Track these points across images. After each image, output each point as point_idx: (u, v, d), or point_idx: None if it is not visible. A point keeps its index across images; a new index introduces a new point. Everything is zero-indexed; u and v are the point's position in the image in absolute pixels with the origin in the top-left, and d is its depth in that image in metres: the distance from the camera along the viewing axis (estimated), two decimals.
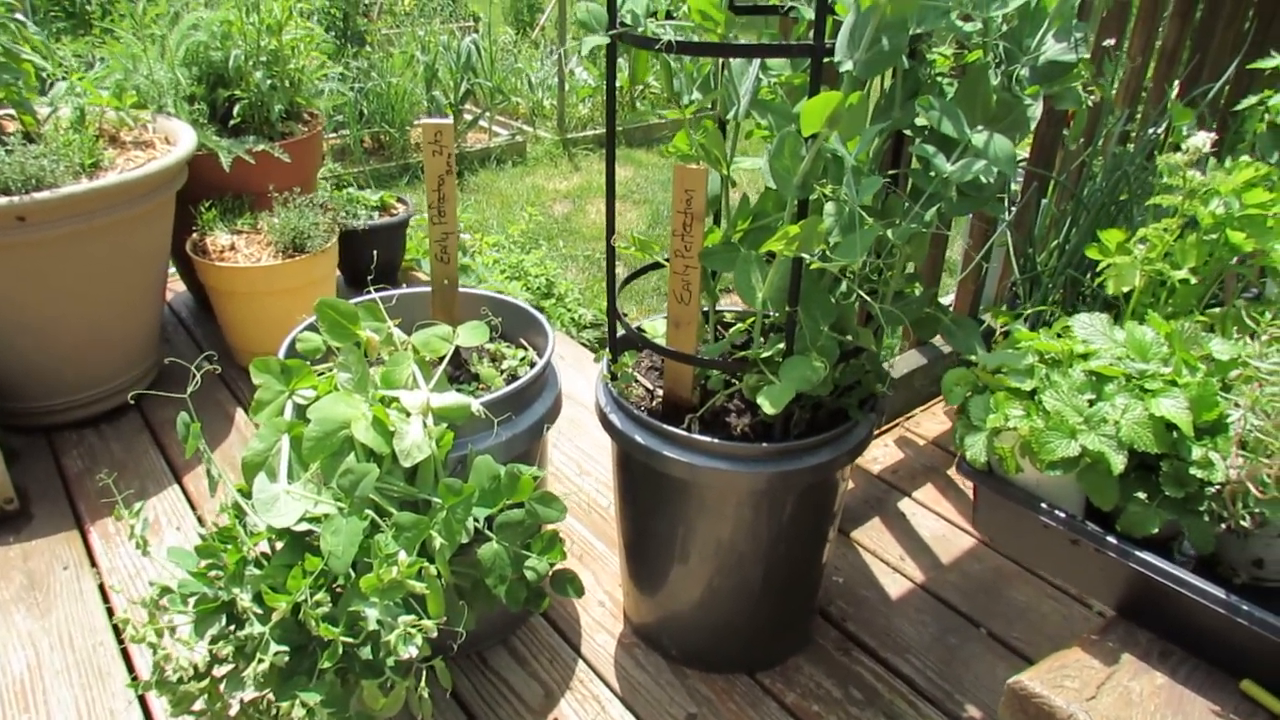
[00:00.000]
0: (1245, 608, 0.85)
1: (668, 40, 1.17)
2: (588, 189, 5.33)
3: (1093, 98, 1.88)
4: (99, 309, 2.11)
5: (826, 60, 1.09)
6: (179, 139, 2.25)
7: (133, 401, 2.16)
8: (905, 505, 2.00)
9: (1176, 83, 2.31)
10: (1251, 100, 1.61)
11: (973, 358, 1.08)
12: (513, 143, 5.95)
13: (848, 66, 1.06)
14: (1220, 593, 0.86)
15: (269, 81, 2.56)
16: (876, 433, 2.23)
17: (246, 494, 1.26)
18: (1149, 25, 2.08)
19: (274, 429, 1.29)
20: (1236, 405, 0.85)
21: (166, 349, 2.54)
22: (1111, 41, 2.05)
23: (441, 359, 1.46)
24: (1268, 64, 1.52)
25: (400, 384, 1.38)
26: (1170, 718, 0.85)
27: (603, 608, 1.71)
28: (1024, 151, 2.23)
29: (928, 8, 1.03)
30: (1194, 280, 1.05)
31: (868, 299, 1.19)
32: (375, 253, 2.79)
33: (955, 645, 1.64)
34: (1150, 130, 2.20)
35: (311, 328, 1.56)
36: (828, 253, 1.14)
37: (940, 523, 1.94)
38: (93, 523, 1.88)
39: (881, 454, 2.16)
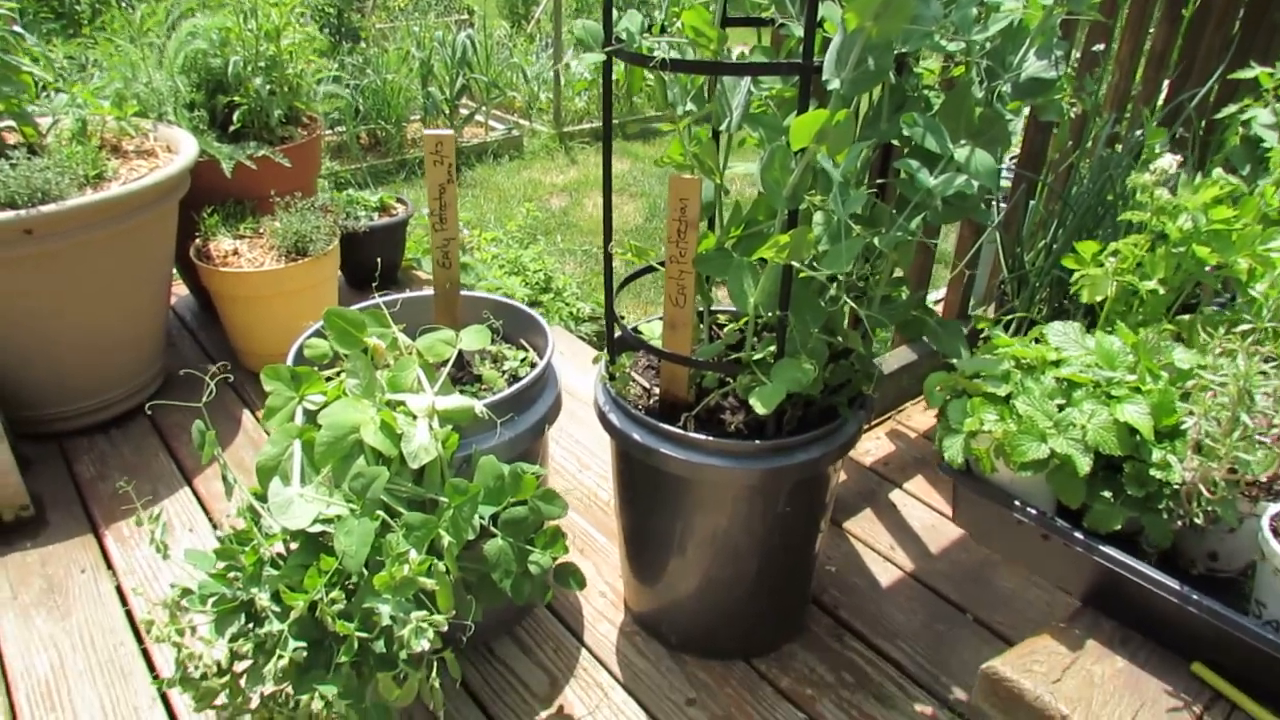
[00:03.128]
0: (1195, 597, 0.91)
1: (661, 58, 1.22)
2: (584, 182, 5.37)
3: (1075, 109, 1.93)
4: (106, 317, 2.15)
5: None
6: (180, 147, 2.29)
7: (149, 413, 2.21)
8: (896, 496, 2.06)
9: (1166, 83, 2.36)
10: (1231, 109, 1.66)
11: (954, 361, 1.13)
12: (509, 137, 5.98)
13: (835, 85, 1.11)
14: (1174, 583, 0.92)
15: (268, 87, 2.60)
16: (869, 426, 2.28)
17: (261, 497, 1.31)
18: (1137, 30, 2.13)
19: (286, 434, 1.35)
20: (1191, 413, 0.91)
21: (172, 353, 2.59)
22: (1100, 46, 2.10)
23: (445, 362, 1.52)
24: (1246, 74, 1.56)
25: (406, 388, 1.44)
26: (1127, 697, 0.90)
27: (604, 598, 1.77)
28: (1016, 147, 2.28)
29: (912, 30, 1.08)
30: (1162, 291, 1.11)
31: (854, 305, 1.24)
32: (376, 253, 2.84)
33: (943, 631, 1.70)
34: (1138, 132, 2.25)
35: (318, 333, 1.61)
36: (816, 261, 1.20)
37: (930, 513, 2.00)
38: (107, 527, 1.93)
39: (873, 446, 2.22)
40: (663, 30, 1.39)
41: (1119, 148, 2.29)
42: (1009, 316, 1.36)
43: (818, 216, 1.24)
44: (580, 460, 2.21)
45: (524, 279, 3.61)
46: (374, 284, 1.78)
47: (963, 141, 1.19)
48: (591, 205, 4.99)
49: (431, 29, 6.08)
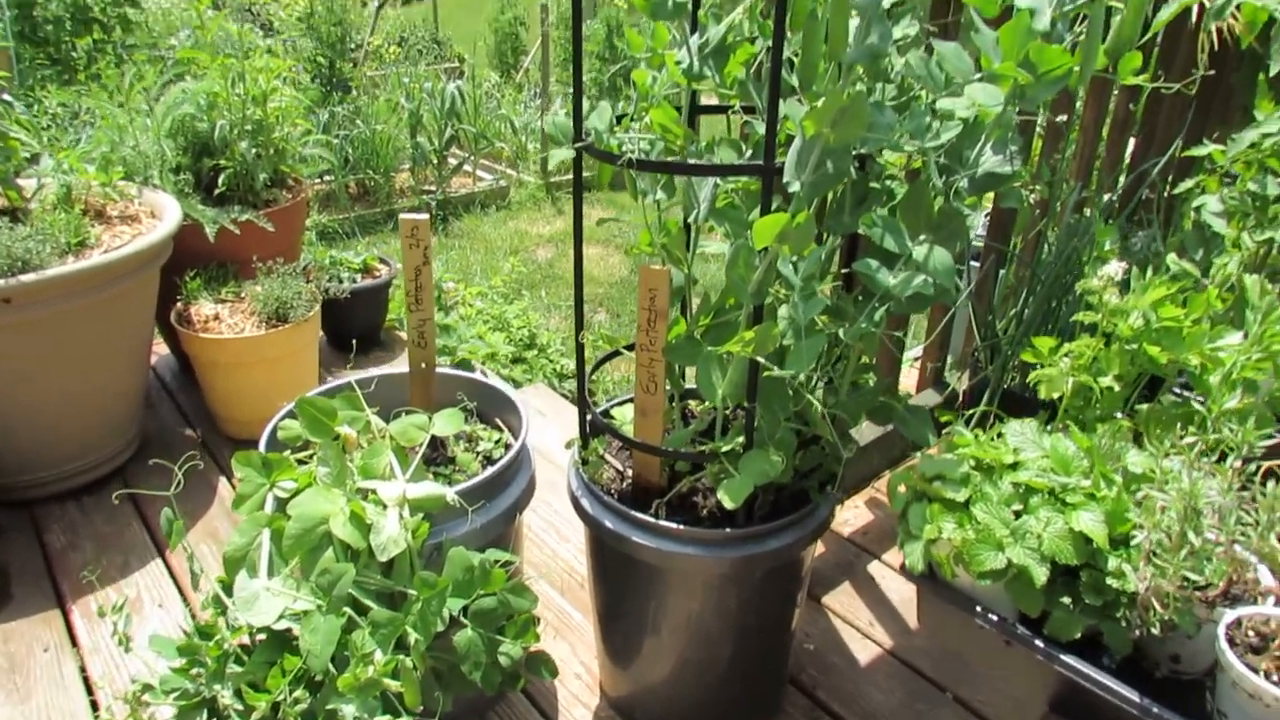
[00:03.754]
0: (1156, 710, 0.91)
1: (629, 158, 1.24)
2: (571, 233, 5.41)
3: (1035, 196, 1.96)
4: (83, 384, 2.15)
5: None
6: (164, 212, 2.31)
7: (117, 502, 2.17)
8: (875, 569, 2.06)
9: (1131, 144, 2.41)
10: (1188, 184, 1.69)
11: (917, 459, 1.14)
12: (496, 187, 6.04)
13: (795, 188, 1.13)
14: (1135, 695, 0.93)
15: (254, 150, 2.63)
16: (846, 496, 2.28)
17: (228, 587, 1.30)
18: (1100, 99, 2.17)
19: (254, 523, 1.34)
20: (1142, 527, 0.92)
21: (150, 415, 2.58)
22: (1064, 117, 2.14)
23: (418, 447, 1.52)
24: (1200, 151, 1.60)
25: (378, 474, 1.44)
26: None
27: (579, 680, 1.76)
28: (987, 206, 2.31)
29: (869, 137, 1.10)
30: (1118, 388, 1.12)
31: (816, 403, 1.25)
32: (359, 315, 2.85)
33: (923, 711, 1.69)
34: (1105, 196, 2.28)
35: (293, 414, 1.61)
36: (780, 360, 1.21)
37: (908, 586, 1.99)
38: (74, 601, 1.91)
39: (852, 516, 2.22)
40: (633, 120, 1.41)
41: (1087, 211, 2.32)
42: (972, 410, 1.37)
43: (783, 310, 1.25)
44: (559, 531, 2.20)
45: (508, 336, 3.63)
46: (353, 355, 1.78)
47: (922, 237, 1.21)
48: None
49: (421, 79, 6.15)
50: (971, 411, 1.36)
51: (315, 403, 1.43)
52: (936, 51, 1.10)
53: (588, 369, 1.56)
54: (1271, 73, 1.30)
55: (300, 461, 1.52)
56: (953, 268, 1.16)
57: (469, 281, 4.51)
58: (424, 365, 1.71)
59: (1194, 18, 1.78)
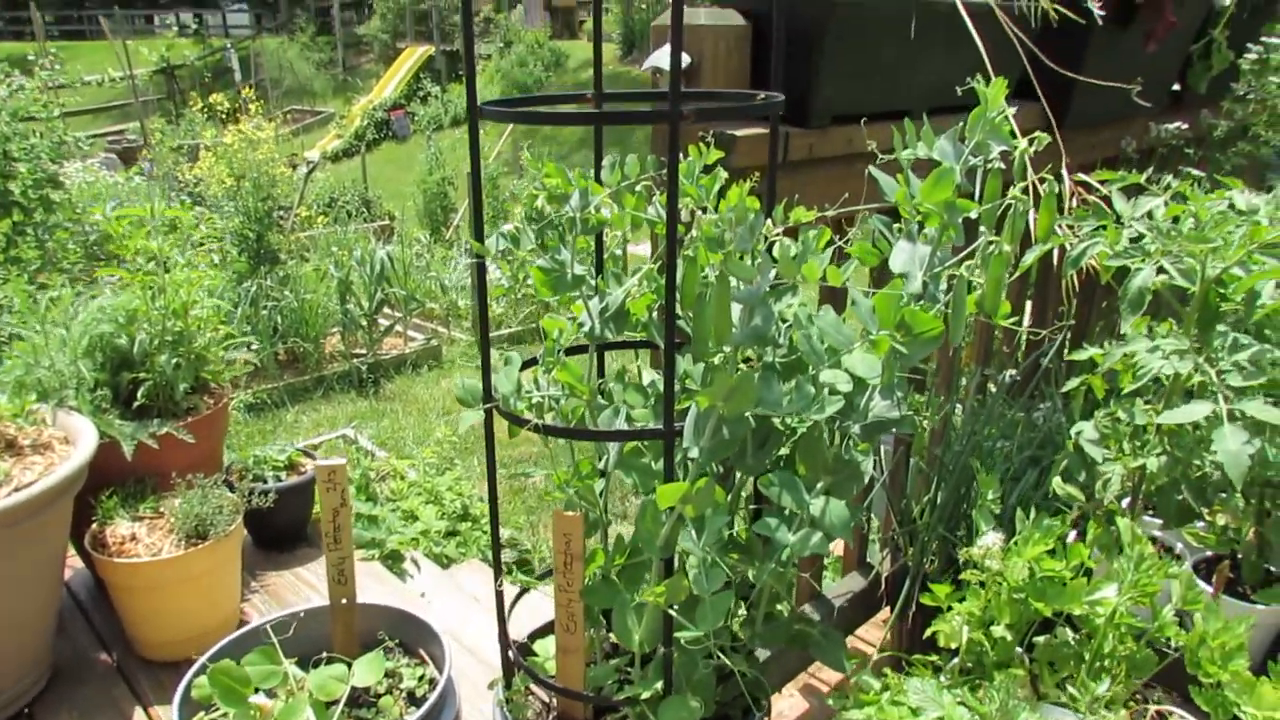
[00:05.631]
0: None
1: (535, 423, 1.29)
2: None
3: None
4: None
5: None
6: (79, 438, 2.28)
7: None
8: None
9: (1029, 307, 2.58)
10: (1074, 382, 1.81)
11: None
12: (428, 347, 6.09)
13: (694, 454, 1.19)
14: None
15: (175, 361, 2.63)
16: (781, 685, 2.28)
17: None
18: None
19: None
20: None
21: (62, 640, 2.48)
22: None
23: (337, 701, 1.49)
24: (1080, 355, 1.71)
25: None
26: None
27: None
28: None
29: (759, 411, 1.17)
30: (1010, 636, 1.18)
31: (728, 660, 1.28)
32: (285, 514, 2.82)
33: None
34: (1007, 373, 2.42)
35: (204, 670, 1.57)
36: (690, 616, 1.23)
37: None
38: None
39: (786, 706, 2.20)
40: (544, 372, 1.47)
41: (992, 387, 2.46)
42: (887, 652, 1.41)
43: (692, 560, 1.29)
44: None
45: (440, 510, 3.60)
46: (281, 553, 1.75)
47: (820, 485, 1.27)
48: None
49: (351, 243, 6.25)
50: (886, 653, 1.40)
51: (228, 671, 1.41)
52: (817, 326, 1.18)
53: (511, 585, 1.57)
54: (1122, 329, 1.42)
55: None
56: (848, 519, 1.21)
57: (400, 450, 4.50)
58: (344, 601, 1.70)
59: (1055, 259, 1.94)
